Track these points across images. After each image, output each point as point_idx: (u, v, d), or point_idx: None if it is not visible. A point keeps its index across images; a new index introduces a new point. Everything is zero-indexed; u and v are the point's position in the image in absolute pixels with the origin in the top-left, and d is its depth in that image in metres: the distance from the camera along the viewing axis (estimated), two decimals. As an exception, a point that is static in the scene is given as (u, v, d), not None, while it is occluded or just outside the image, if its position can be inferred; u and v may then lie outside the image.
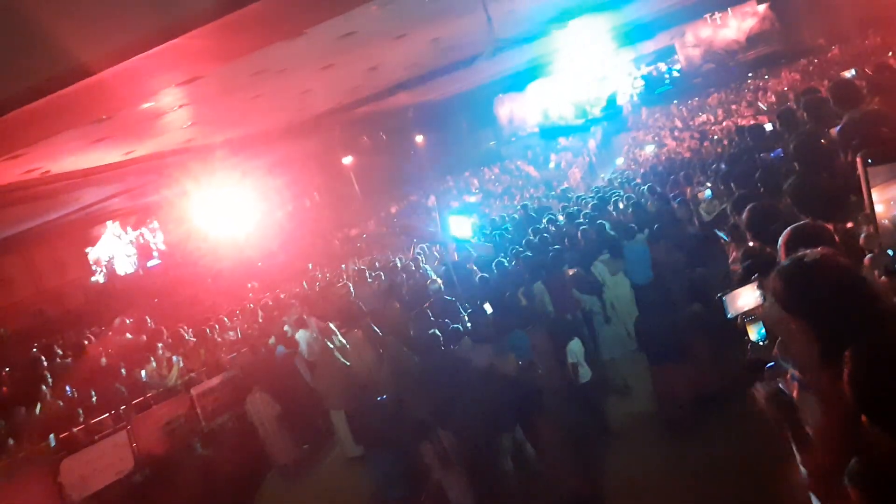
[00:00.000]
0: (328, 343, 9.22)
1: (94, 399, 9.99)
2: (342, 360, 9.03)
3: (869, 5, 20.90)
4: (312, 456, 10.21)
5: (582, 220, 11.27)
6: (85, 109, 11.36)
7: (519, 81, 28.16)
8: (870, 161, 1.75)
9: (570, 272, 9.24)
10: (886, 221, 1.80)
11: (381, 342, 8.93)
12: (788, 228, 3.21)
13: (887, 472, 1.98)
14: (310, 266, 21.12)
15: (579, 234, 10.42)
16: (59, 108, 10.16)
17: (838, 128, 4.86)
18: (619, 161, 25.51)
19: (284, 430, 10.12)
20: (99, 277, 22.96)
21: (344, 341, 9.36)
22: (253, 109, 17.23)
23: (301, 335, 10.54)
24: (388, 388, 8.22)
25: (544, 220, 12.93)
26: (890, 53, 15.79)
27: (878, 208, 1.79)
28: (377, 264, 15.89)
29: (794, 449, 2.76)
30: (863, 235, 2.16)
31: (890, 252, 1.77)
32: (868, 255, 1.98)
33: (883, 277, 1.85)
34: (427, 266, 13.46)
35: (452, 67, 21.12)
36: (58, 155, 14.04)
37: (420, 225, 22.03)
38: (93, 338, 14.35)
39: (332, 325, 9.56)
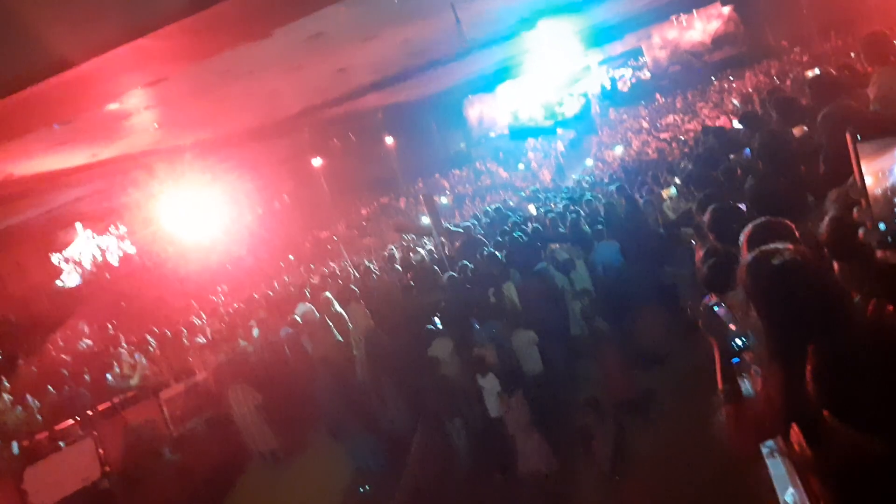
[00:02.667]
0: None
1: (57, 405, 9.84)
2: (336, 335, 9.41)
3: (830, 8, 21.31)
4: (294, 443, 10.23)
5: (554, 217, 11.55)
6: (49, 111, 11.20)
7: (488, 83, 28.24)
8: (858, 137, 1.83)
9: (553, 246, 9.50)
10: (878, 192, 1.86)
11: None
12: (750, 225, 3.25)
13: (848, 463, 2.03)
14: (282, 265, 21.02)
15: (548, 221, 10.68)
16: (22, 109, 10.01)
17: (822, 114, 4.89)
18: (589, 162, 25.72)
19: (265, 419, 10.18)
20: (64, 282, 22.55)
21: (341, 311, 9.59)
22: (220, 111, 17.09)
23: (300, 308, 10.84)
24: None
25: (509, 224, 13.00)
26: (852, 55, 16.11)
27: (868, 181, 1.85)
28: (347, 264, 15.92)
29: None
30: (855, 209, 2.22)
31: (882, 226, 1.82)
32: (861, 230, 2.05)
33: (879, 252, 1.90)
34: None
35: (422, 69, 21.12)
36: (22, 158, 13.80)
37: (413, 222, 22.03)
38: (58, 343, 14.12)
39: (328, 294, 9.83)
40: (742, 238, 3.22)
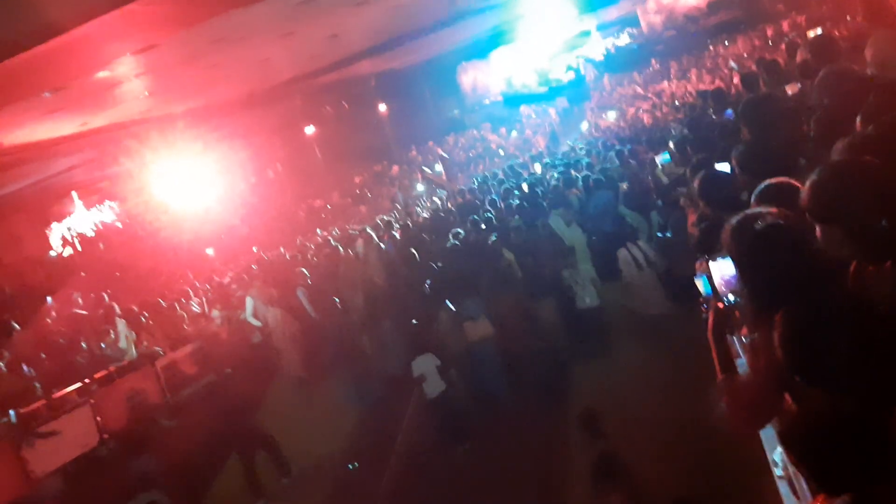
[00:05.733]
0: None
1: (54, 374, 9.89)
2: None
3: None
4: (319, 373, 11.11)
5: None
6: (39, 78, 11.09)
7: (482, 49, 27.97)
8: None
9: (624, 186, 9.67)
10: None
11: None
12: (763, 184, 3.26)
13: (818, 428, 2.06)
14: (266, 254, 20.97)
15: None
16: (11, 77, 9.92)
17: (820, 75, 4.86)
18: (583, 127, 25.60)
19: (298, 346, 11.32)
20: (59, 252, 22.50)
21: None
22: (211, 79, 16.93)
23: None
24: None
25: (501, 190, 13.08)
26: (848, 17, 15.99)
27: None
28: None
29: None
30: None
31: None
32: None
33: None
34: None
35: (415, 35, 20.90)
36: (11, 127, 13.70)
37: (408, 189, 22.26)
38: (52, 313, 14.14)
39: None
40: (754, 196, 3.23)
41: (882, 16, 5.48)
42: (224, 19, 11.59)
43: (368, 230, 12.53)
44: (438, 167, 26.57)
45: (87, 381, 9.35)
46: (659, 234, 8.47)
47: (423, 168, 24.37)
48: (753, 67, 12.35)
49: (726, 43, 24.74)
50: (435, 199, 16.26)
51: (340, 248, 12.53)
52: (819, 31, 11.16)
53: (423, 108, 30.29)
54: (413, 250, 10.27)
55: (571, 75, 27.79)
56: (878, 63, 4.97)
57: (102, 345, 10.75)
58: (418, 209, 15.57)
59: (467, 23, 20.58)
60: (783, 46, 15.91)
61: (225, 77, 17.33)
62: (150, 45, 11.80)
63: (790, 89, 5.65)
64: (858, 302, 2.07)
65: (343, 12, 15.00)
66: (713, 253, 3.42)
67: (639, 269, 8.31)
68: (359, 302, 10.41)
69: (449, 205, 13.86)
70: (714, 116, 8.10)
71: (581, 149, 17.89)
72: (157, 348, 10.90)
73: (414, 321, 8.82)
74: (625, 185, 9.82)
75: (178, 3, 9.60)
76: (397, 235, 12.47)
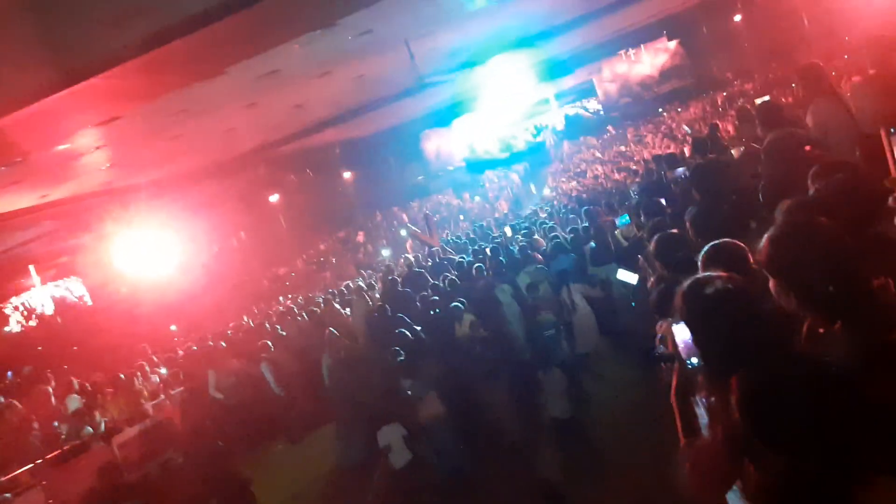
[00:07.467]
0: None
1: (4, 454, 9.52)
2: None
3: (770, 42, 22.17)
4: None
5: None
6: (-3, 152, 11.00)
7: (444, 117, 28.49)
8: (892, 130, 2.20)
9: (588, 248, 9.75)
10: None
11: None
12: (709, 245, 3.32)
13: (780, 492, 2.07)
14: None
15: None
16: (-33, 151, 9.82)
17: (768, 140, 5.05)
18: (546, 191, 26.08)
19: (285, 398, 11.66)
20: (14, 327, 21.91)
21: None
22: (174, 150, 16.93)
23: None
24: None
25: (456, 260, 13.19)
26: (793, 85, 16.71)
27: None
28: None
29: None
30: (891, 198, 2.58)
31: None
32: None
33: None
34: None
35: (377, 104, 21.25)
36: (-33, 200, 13.50)
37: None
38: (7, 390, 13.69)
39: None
40: (700, 258, 3.30)
41: (819, 84, 5.75)
42: (187, 91, 11.68)
43: (359, 283, 12.58)
44: (403, 232, 26.74)
45: (38, 461, 9.02)
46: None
47: (408, 225, 24.79)
48: (705, 132, 12.78)
49: (679, 110, 25.64)
50: (409, 255, 16.65)
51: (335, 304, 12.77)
52: (766, 98, 11.63)
53: (387, 174, 30.58)
54: (388, 307, 10.10)
55: (532, 142, 28.48)
56: (819, 128, 5.20)
57: (55, 423, 10.41)
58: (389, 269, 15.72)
59: (429, 92, 20.97)
60: (733, 112, 16.54)
61: (188, 148, 17.36)
62: (111, 117, 11.82)
63: (736, 152, 5.88)
64: (812, 365, 2.10)
65: (306, 83, 15.22)
66: (672, 315, 3.47)
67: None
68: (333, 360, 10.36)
69: (426, 262, 14.06)
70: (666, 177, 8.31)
71: (546, 211, 18.19)
72: (108, 421, 10.58)
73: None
74: (590, 246, 9.94)
75: (140, 76, 9.65)
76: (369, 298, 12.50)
